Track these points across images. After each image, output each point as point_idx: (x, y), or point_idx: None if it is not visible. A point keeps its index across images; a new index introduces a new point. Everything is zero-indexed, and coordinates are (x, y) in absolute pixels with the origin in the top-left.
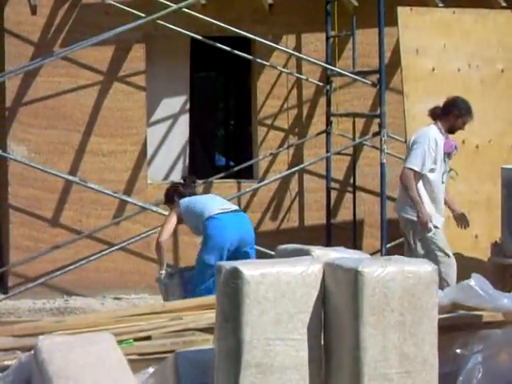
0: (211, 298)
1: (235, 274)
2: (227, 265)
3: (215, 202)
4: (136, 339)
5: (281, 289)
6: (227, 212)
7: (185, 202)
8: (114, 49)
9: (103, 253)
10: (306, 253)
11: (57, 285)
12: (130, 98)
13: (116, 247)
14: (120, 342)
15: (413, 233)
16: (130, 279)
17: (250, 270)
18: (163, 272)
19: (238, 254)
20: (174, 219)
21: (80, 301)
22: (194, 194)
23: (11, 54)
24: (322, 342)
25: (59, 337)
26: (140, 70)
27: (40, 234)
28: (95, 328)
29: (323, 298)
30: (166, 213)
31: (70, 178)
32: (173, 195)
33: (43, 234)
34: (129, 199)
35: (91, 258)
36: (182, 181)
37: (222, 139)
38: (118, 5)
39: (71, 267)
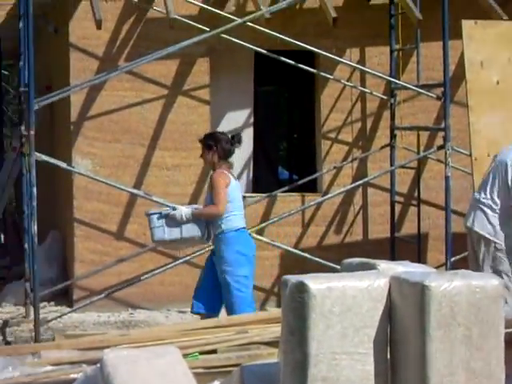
0: (276, 312)
1: (301, 287)
2: (293, 278)
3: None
4: (201, 353)
5: (347, 303)
6: None
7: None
8: (179, 63)
9: (168, 266)
10: (372, 267)
11: (121, 298)
12: (194, 112)
13: (180, 260)
14: (185, 356)
15: (484, 250)
16: None
17: (317, 283)
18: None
19: None
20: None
21: (145, 314)
22: (230, 153)
23: (76, 69)
24: (388, 356)
25: (124, 350)
26: (204, 83)
27: (105, 247)
28: (160, 341)
29: (389, 312)
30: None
31: (135, 191)
32: (213, 143)
33: (108, 248)
34: None
35: (156, 272)
36: (230, 136)
37: (286, 153)
38: (183, 19)
39: (136, 280)
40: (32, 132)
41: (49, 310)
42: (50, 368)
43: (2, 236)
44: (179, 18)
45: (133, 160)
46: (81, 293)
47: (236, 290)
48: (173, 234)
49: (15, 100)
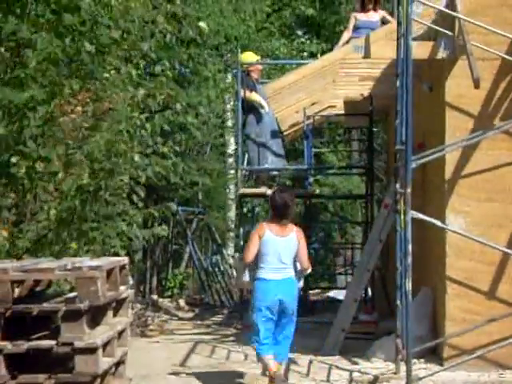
0: None
1: None
2: None
3: None
4: None
5: None
6: None
7: None
8: None
9: None
10: None
11: (492, 358)
12: None
13: None
14: None
15: None
16: None
17: None
18: None
19: None
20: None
21: None
22: None
23: (452, 127)
24: None
25: None
26: None
27: (476, 306)
28: None
29: None
30: None
31: (509, 251)
32: None
33: (479, 307)
34: None
35: None
36: None
37: None
38: None
39: (507, 341)
40: (408, 190)
41: (419, 367)
42: None
43: (370, 290)
44: None
45: (507, 219)
46: (451, 351)
47: None
48: None
49: (380, 156)
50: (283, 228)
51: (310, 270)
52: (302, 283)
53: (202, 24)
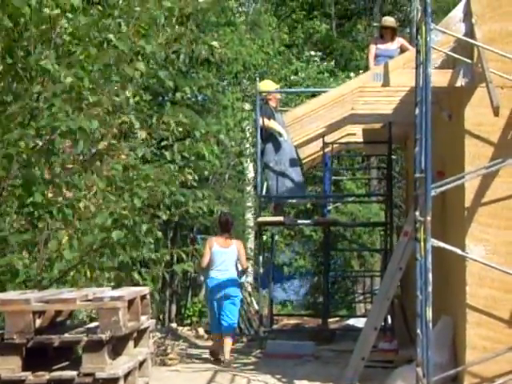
0: None
1: None
2: None
3: None
4: None
5: None
6: None
7: None
8: None
9: None
10: None
11: None
12: None
13: None
14: None
15: None
16: None
17: None
18: None
19: None
20: None
21: None
22: None
23: (471, 155)
24: None
25: None
26: None
27: (496, 334)
28: None
29: None
30: None
31: None
32: None
33: (499, 335)
34: None
35: None
36: None
37: None
38: None
39: None
40: (428, 218)
41: None
42: None
43: (389, 319)
44: None
45: None
46: (472, 379)
47: None
48: None
49: (399, 184)
50: (226, 240)
51: (249, 268)
52: (244, 278)
53: (214, 43)
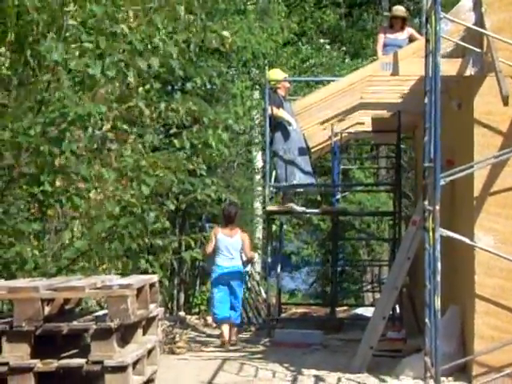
0: None
1: None
2: None
3: None
4: None
5: None
6: None
7: None
8: None
9: None
10: None
11: None
12: None
13: None
14: None
15: None
16: None
17: None
18: None
19: None
20: None
21: None
22: None
23: (480, 144)
24: None
25: None
26: None
27: (504, 324)
28: None
29: None
30: None
31: None
32: None
33: (507, 324)
34: None
35: None
36: None
37: None
38: None
39: None
40: (437, 207)
41: None
42: None
43: (398, 308)
44: None
45: None
46: (480, 369)
47: None
48: None
49: (408, 173)
50: (231, 231)
51: (254, 258)
52: (248, 268)
53: (225, 33)
